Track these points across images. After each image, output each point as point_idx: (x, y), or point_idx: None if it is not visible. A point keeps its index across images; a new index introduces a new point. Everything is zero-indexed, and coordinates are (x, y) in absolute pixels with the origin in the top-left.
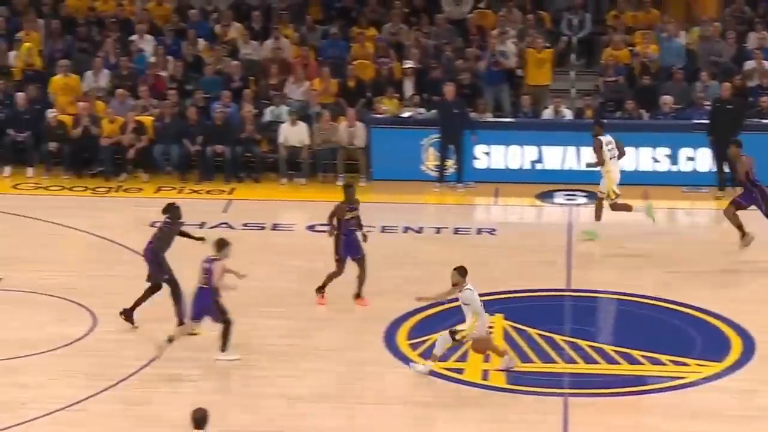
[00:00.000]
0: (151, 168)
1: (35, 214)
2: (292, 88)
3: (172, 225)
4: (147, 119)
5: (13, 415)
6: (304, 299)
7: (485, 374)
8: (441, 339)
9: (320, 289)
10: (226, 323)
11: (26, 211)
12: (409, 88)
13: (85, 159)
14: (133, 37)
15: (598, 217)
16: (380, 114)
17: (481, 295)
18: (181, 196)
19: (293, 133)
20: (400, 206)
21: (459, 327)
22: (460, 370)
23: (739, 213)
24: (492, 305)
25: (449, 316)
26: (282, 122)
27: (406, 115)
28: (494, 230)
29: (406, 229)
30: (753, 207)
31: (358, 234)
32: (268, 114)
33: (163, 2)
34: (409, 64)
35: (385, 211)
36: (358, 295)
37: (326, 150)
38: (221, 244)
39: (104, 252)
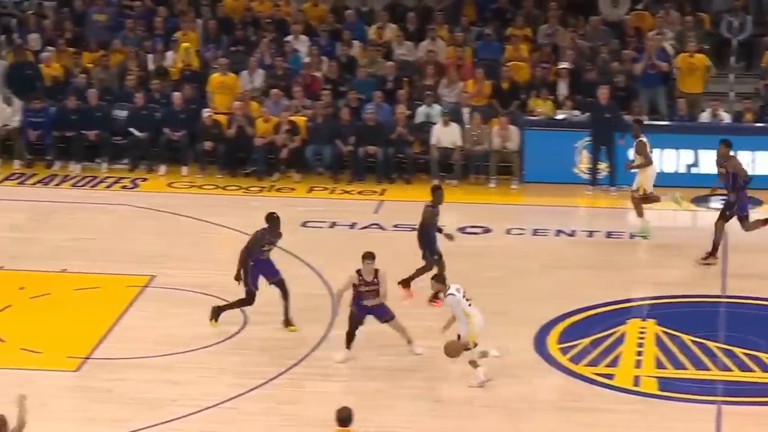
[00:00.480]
0: (303, 168)
1: (189, 213)
2: (445, 89)
3: (264, 234)
4: (300, 119)
5: (164, 411)
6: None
7: (636, 380)
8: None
9: (406, 283)
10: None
11: (180, 210)
12: (563, 89)
13: (239, 158)
14: (289, 38)
15: (639, 213)
16: (534, 116)
17: (631, 300)
18: (332, 196)
19: (445, 135)
20: (552, 209)
21: (461, 335)
22: (610, 376)
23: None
24: (646, 311)
25: (601, 320)
26: (434, 123)
27: (560, 117)
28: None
29: (558, 233)
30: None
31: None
32: (421, 115)
33: (318, 3)
34: (563, 65)
35: (538, 214)
36: (407, 283)
37: (478, 152)
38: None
39: None
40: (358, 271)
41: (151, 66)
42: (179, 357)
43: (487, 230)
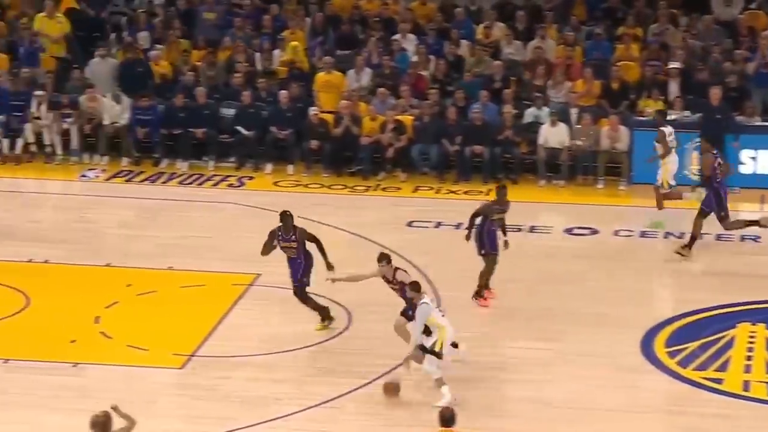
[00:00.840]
0: (409, 167)
1: (294, 212)
2: (552, 89)
3: (276, 231)
4: (407, 118)
5: (267, 410)
6: (559, 303)
7: (746, 385)
8: (426, 366)
9: (479, 293)
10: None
11: (286, 208)
12: (674, 90)
13: (345, 157)
14: (396, 37)
15: (660, 206)
16: (644, 117)
17: (742, 304)
18: (438, 196)
19: (553, 135)
20: (661, 211)
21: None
22: (719, 380)
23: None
24: (755, 315)
25: (710, 324)
26: (542, 123)
27: (670, 118)
28: (758, 238)
29: (667, 235)
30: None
31: (499, 233)
32: (530, 116)
33: (427, 1)
34: (674, 65)
35: (646, 215)
36: (479, 293)
37: (586, 152)
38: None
39: (360, 250)
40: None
41: (258, 65)
42: (283, 355)
43: (594, 231)
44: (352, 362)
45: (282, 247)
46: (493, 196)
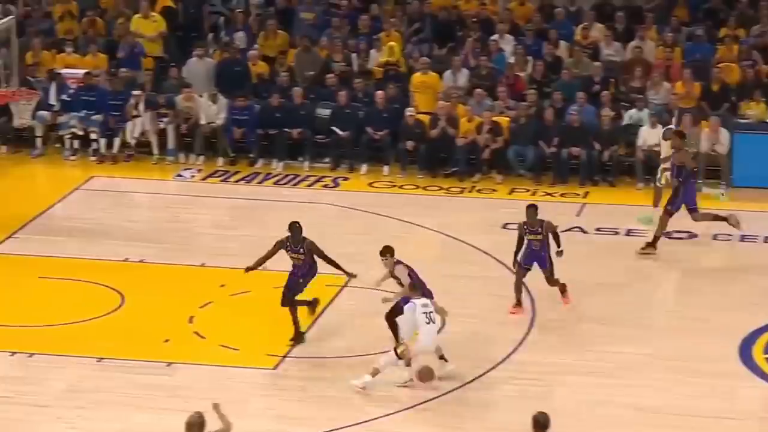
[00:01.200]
0: (505, 169)
1: (389, 213)
2: (652, 90)
3: (284, 242)
4: (504, 120)
5: (358, 412)
6: (655, 308)
7: None
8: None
9: (563, 292)
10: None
11: (380, 209)
12: None
13: (441, 158)
14: (494, 37)
15: (655, 203)
16: (745, 119)
17: None
18: (534, 198)
19: (653, 136)
20: (762, 215)
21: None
22: None
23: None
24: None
25: None
26: (641, 126)
27: None
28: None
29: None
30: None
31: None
32: (629, 118)
33: (525, 2)
34: None
35: (746, 220)
36: (563, 293)
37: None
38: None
39: (453, 251)
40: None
41: (354, 65)
42: (376, 357)
43: (692, 235)
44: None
45: (290, 257)
46: (581, 200)
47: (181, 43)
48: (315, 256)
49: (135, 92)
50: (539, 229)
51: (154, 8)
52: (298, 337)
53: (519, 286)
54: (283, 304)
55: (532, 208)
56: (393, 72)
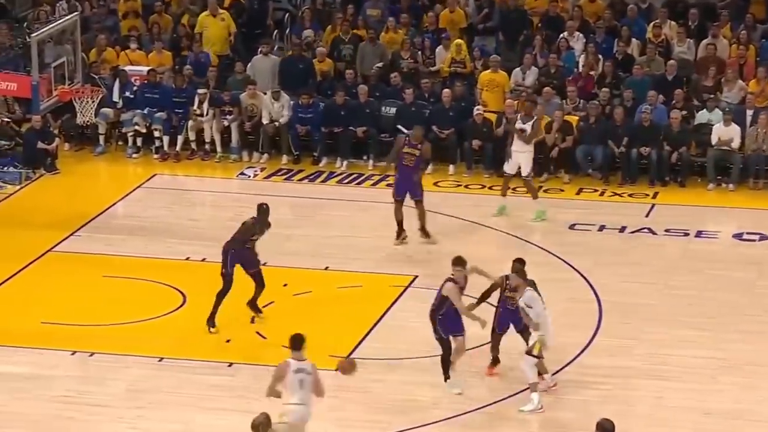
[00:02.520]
0: (573, 169)
1: (454, 212)
2: (725, 88)
3: (254, 224)
4: (573, 119)
5: (421, 414)
6: (726, 311)
7: None
8: (525, 367)
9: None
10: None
11: (445, 209)
12: None
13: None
14: (563, 35)
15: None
16: None
17: None
18: (602, 198)
19: (726, 135)
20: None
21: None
22: None
23: None
24: None
25: None
26: (713, 125)
27: None
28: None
29: None
30: None
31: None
32: (701, 118)
33: None
34: None
35: None
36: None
37: (760, 155)
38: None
39: (520, 252)
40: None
41: (421, 63)
42: (438, 359)
43: (764, 237)
44: (510, 367)
45: (252, 241)
46: (650, 201)
47: (245, 39)
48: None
49: (200, 90)
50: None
51: (223, 4)
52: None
53: (495, 346)
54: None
55: (519, 263)
56: (460, 70)
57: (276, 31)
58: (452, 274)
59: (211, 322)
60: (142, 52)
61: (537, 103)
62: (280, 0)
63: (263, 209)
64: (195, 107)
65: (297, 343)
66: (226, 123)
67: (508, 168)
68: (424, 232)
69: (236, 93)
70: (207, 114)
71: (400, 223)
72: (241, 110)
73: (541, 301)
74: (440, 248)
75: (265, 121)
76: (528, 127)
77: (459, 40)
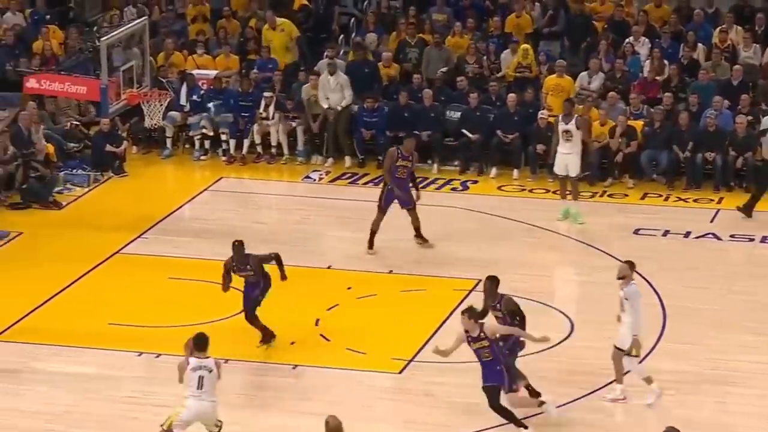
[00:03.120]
0: (637, 174)
1: (518, 217)
2: None
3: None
4: (637, 124)
5: (482, 417)
6: None
7: None
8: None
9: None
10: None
11: (510, 213)
12: None
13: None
14: (629, 40)
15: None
16: None
17: None
18: (667, 203)
19: None
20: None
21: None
22: None
23: None
24: None
25: None
26: None
27: None
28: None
29: None
30: None
31: None
32: (765, 121)
33: (662, 4)
34: None
35: None
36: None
37: None
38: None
39: (584, 257)
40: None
41: (486, 67)
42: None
43: None
44: (571, 372)
45: (241, 276)
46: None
47: (311, 44)
48: (264, 267)
49: (266, 93)
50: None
51: (293, 6)
52: (268, 335)
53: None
54: (248, 321)
55: (489, 280)
56: (525, 75)
57: (341, 36)
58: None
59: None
60: (209, 57)
61: (574, 104)
62: (345, 5)
63: (235, 246)
64: (261, 110)
65: (201, 344)
66: (293, 124)
67: (557, 169)
68: (420, 237)
69: (300, 100)
70: (273, 118)
71: (374, 234)
72: (305, 109)
73: (639, 299)
74: (503, 254)
75: (324, 105)
76: (571, 126)
77: (526, 45)
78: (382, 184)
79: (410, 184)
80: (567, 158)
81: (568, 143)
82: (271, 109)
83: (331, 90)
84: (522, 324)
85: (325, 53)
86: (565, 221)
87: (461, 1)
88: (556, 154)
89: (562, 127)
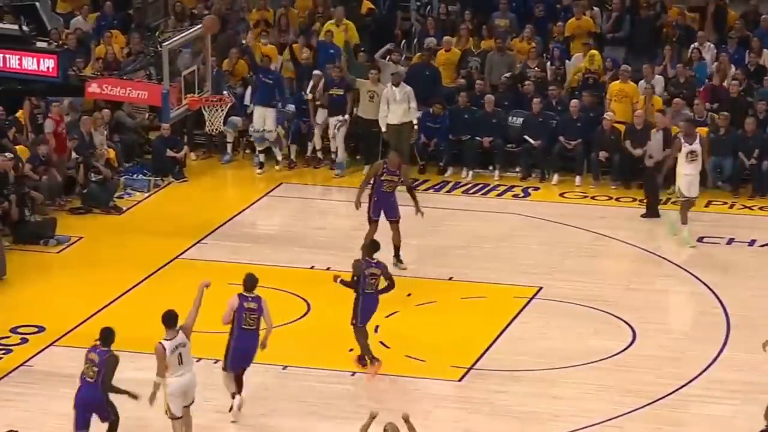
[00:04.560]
0: (702, 181)
1: (580, 224)
2: None
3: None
4: (702, 130)
5: (543, 427)
6: None
7: None
8: None
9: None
10: None
11: (571, 220)
12: None
13: (635, 169)
14: (695, 45)
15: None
16: None
17: None
18: (731, 211)
19: None
20: None
21: None
22: None
23: None
24: None
25: None
26: None
27: None
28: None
29: None
30: None
31: None
32: None
33: (728, 9)
34: None
35: None
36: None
37: None
38: None
39: (647, 265)
40: None
41: (549, 72)
42: (562, 372)
43: None
44: (635, 380)
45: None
46: None
47: (373, 49)
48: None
49: (316, 72)
50: None
51: (360, 9)
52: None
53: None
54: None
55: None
56: (592, 80)
57: (404, 41)
58: None
59: None
60: (273, 46)
61: (696, 124)
62: (408, 10)
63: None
64: (308, 91)
65: (170, 320)
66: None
67: (689, 192)
68: (398, 257)
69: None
70: (320, 98)
71: (374, 243)
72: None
73: None
74: (565, 262)
75: (383, 115)
76: (696, 147)
77: (594, 51)
78: (367, 198)
79: (394, 199)
80: (694, 179)
81: (693, 163)
82: (320, 88)
83: (397, 102)
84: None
85: (389, 58)
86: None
87: (526, 6)
88: (678, 173)
89: (686, 148)
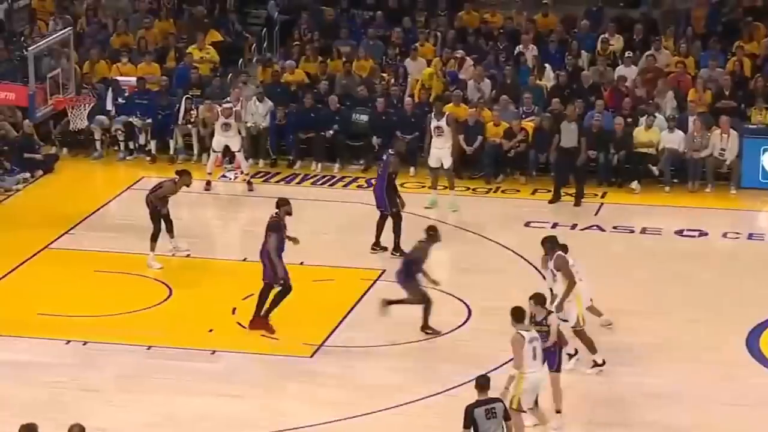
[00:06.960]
0: (527, 171)
1: (416, 211)
2: None
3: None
4: (528, 125)
5: (389, 398)
6: None
7: None
8: None
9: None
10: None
11: (408, 209)
12: None
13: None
14: (519, 47)
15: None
16: None
17: None
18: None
19: None
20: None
21: None
22: None
23: None
24: None
25: None
26: None
27: None
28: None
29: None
30: None
31: None
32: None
33: (548, 14)
34: None
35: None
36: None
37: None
38: None
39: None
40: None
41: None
42: (405, 346)
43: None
44: (471, 354)
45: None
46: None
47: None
48: None
49: (186, 97)
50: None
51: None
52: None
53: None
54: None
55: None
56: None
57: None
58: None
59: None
60: (131, 65)
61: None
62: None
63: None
64: (182, 117)
65: (520, 315)
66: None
67: (431, 162)
68: (376, 246)
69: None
70: (193, 120)
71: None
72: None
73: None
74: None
75: (249, 124)
76: (442, 123)
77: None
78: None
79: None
80: (440, 152)
81: (440, 138)
82: (193, 112)
83: (261, 116)
84: None
85: (240, 78)
86: (432, 209)
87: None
88: (430, 149)
89: (434, 123)
